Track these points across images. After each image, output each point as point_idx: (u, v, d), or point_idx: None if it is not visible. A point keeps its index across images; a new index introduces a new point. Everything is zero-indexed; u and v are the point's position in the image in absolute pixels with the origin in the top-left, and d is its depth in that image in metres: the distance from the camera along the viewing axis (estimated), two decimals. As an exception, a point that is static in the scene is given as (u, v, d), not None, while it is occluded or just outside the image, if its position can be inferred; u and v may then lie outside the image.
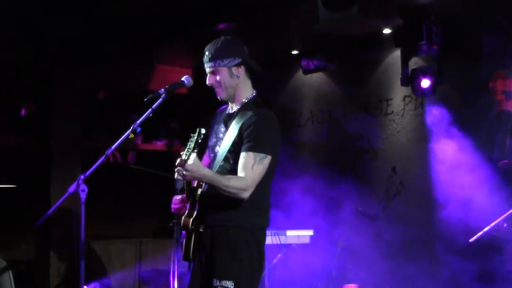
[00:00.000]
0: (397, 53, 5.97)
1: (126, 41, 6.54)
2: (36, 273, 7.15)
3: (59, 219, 5.84)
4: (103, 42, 6.57)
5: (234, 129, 3.30)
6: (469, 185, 5.35)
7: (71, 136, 7.08)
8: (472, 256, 5.18)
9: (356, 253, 6.07)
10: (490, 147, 5.41)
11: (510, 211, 4.53)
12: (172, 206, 3.45)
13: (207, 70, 3.38)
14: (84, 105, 7.23)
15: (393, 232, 5.99)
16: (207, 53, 3.36)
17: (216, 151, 3.40)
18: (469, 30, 5.52)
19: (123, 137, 3.39)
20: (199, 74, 3.51)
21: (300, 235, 5.69)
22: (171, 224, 3.78)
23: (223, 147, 3.33)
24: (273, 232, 5.47)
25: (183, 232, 3.37)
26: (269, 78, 6.56)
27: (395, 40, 5.85)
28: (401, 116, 6.27)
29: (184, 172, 3.06)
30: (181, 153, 3.08)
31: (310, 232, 5.75)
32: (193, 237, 3.31)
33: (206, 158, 3.56)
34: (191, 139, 3.12)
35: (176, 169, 3.09)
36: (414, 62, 5.87)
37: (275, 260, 5.65)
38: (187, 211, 3.34)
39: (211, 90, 3.41)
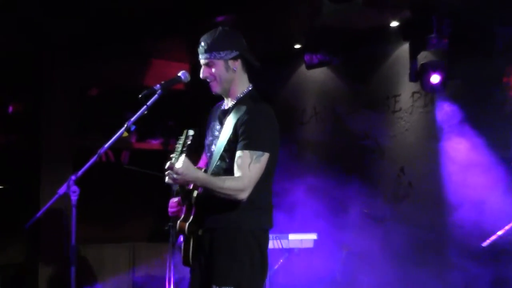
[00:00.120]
0: (405, 47, 6.03)
1: (120, 33, 6.49)
2: (25, 278, 7.09)
3: (49, 221, 5.93)
4: (95, 35, 6.54)
5: (229, 126, 3.25)
6: (482, 186, 5.29)
7: (62, 134, 7.05)
8: (486, 261, 5.13)
9: (363, 258, 6.04)
10: (504, 146, 5.34)
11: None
12: (170, 209, 3.43)
13: (202, 61, 3.33)
14: (77, 102, 7.21)
15: (401, 236, 5.91)
16: (203, 43, 3.30)
17: (212, 150, 3.36)
18: (481, 23, 5.47)
19: (116, 135, 3.34)
20: (196, 69, 3.47)
21: (303, 239, 5.63)
22: (166, 227, 3.97)
23: (218, 145, 3.29)
24: (274, 236, 5.41)
25: (180, 235, 3.35)
26: (271, 73, 6.64)
27: (403, 33, 5.91)
28: (410, 113, 6.22)
29: (175, 176, 3.04)
30: (171, 156, 3.09)
31: (313, 236, 5.68)
32: (191, 241, 3.28)
33: (204, 158, 3.51)
34: (179, 141, 3.13)
35: (166, 173, 3.07)
36: (423, 56, 5.89)
37: (276, 266, 5.58)
38: (183, 215, 3.30)
39: (207, 85, 3.38)
